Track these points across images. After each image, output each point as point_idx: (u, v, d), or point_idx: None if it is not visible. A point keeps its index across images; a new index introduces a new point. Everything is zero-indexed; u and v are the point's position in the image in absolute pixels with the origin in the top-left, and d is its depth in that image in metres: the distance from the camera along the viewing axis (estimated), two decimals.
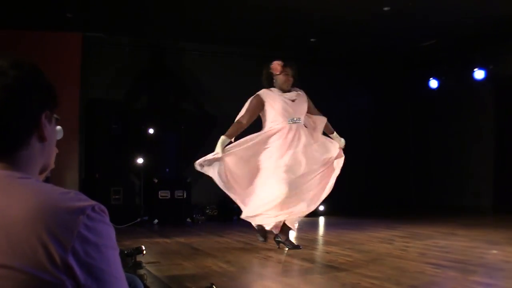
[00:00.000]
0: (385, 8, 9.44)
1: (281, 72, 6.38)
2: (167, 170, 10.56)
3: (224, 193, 11.26)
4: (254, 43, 11.87)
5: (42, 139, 1.51)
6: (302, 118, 6.51)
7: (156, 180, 10.29)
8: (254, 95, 6.64)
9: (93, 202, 1.40)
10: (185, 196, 10.35)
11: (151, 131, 10.70)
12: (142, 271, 4.76)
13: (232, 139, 6.54)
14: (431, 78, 12.45)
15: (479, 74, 11.61)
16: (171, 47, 11.44)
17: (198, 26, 10.67)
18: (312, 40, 11.35)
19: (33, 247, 1.34)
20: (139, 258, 5.11)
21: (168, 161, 10.72)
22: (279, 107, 6.36)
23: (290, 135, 6.36)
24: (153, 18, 10.01)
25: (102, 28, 10.35)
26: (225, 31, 11.05)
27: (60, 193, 1.42)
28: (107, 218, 1.41)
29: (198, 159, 10.96)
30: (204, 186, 10.95)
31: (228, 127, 11.66)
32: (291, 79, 6.44)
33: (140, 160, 10.71)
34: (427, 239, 7.05)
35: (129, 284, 2.70)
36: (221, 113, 11.66)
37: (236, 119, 6.70)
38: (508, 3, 9.39)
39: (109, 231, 1.41)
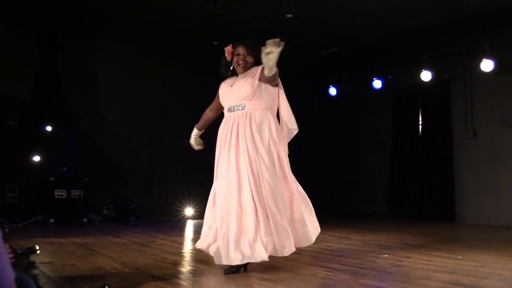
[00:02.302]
0: (288, 15, 9.63)
1: (232, 55, 5.13)
2: (64, 169, 10.40)
3: (121, 191, 11.29)
4: (158, 44, 11.87)
5: None
6: (248, 101, 4.99)
7: (52, 179, 10.08)
8: None
9: None
10: (81, 195, 10.19)
11: (48, 128, 10.53)
12: (35, 271, 4.73)
13: (202, 130, 5.62)
14: (330, 86, 12.76)
15: (377, 83, 11.99)
16: (71, 44, 11.24)
17: (100, 24, 10.57)
18: (214, 43, 11.42)
19: None
20: (32, 258, 5.07)
21: (66, 159, 10.55)
22: (221, 94, 5.23)
23: (226, 129, 5.07)
24: (56, 13, 9.87)
25: (2, 21, 10.13)
26: (127, 30, 10.95)
27: None
28: None
29: (96, 158, 10.93)
30: (102, 186, 10.89)
31: (128, 126, 11.68)
32: (244, 59, 5.06)
33: (36, 158, 10.50)
34: (322, 243, 7.16)
35: (22, 285, 2.78)
36: (121, 112, 11.66)
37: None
38: (405, 18, 9.79)
39: None
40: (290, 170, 5.23)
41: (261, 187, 4.83)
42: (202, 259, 5.90)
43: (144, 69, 11.97)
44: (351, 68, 12.39)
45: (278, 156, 5.06)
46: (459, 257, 5.98)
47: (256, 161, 4.86)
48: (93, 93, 11.40)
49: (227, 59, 5.19)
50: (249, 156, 4.86)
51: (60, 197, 10.04)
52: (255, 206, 4.77)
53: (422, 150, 11.91)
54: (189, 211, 11.68)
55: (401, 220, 11.14)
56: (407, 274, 5.02)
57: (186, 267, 5.49)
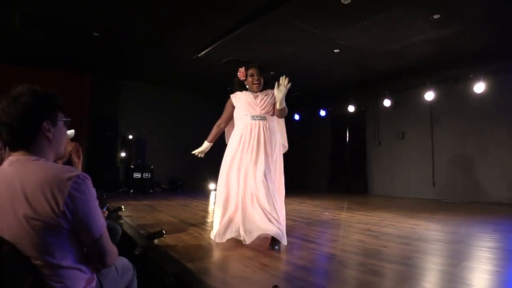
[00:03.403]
0: (271, 73, 9.54)
1: (246, 76, 3.99)
2: (139, 160, 10.41)
3: (173, 174, 11.27)
4: (187, 84, 11.84)
5: (46, 138, 1.57)
6: (268, 116, 3.93)
7: (132, 166, 10.05)
8: None
9: (79, 172, 1.48)
10: (149, 176, 10.18)
11: (130, 136, 10.59)
12: (121, 221, 4.73)
13: (212, 143, 4.19)
14: (295, 114, 12.73)
15: (322, 112, 11.98)
16: (124, 82, 11.28)
17: (149, 73, 10.55)
18: (228, 88, 11.36)
19: (43, 204, 1.42)
20: (120, 213, 5.08)
21: (140, 155, 10.58)
22: (242, 102, 3.93)
23: (249, 132, 3.85)
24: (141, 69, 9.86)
25: (104, 72, 10.10)
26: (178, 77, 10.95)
27: (58, 168, 1.50)
28: (89, 181, 1.49)
29: (158, 154, 10.92)
30: (161, 171, 10.92)
31: (173, 136, 11.57)
32: (258, 79, 3.93)
33: (123, 154, 10.57)
34: (289, 205, 7.13)
35: (112, 229, 2.76)
36: (168, 126, 11.63)
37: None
38: (339, 75, 9.79)
39: (90, 189, 1.50)
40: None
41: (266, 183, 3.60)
42: None
43: (171, 97, 11.93)
44: (308, 103, 12.37)
45: (279, 163, 4.04)
46: (370, 214, 6.00)
47: (269, 162, 3.77)
48: (147, 114, 11.37)
49: (240, 79, 4.03)
50: (265, 157, 3.73)
51: (136, 177, 9.99)
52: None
53: (348, 152, 11.91)
54: (212, 186, 11.65)
55: (336, 193, 11.13)
56: (339, 224, 5.03)
57: (210, 218, 5.45)
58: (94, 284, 1.64)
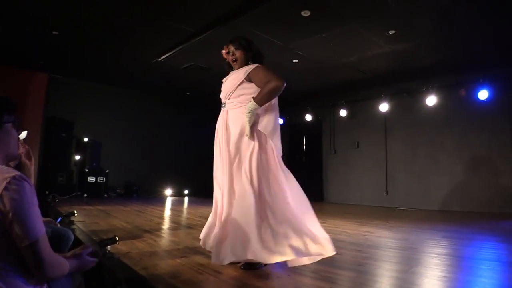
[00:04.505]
0: None
1: (226, 54, 3.16)
2: (94, 164, 10.10)
3: (128, 179, 11.02)
4: (148, 89, 11.68)
5: None
6: (233, 98, 2.99)
7: (87, 170, 9.73)
8: None
9: (16, 173, 1.46)
10: (104, 180, 9.88)
11: (85, 139, 10.29)
12: (74, 227, 4.57)
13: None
14: None
15: (280, 121, 12.05)
16: (80, 83, 11.01)
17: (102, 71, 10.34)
18: (187, 93, 11.33)
19: None
20: (72, 218, 4.91)
21: (95, 158, 10.26)
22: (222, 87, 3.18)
23: (217, 125, 3.07)
24: (97, 67, 9.61)
25: (61, 72, 9.79)
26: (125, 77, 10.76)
27: None
28: (26, 183, 1.46)
29: (113, 158, 10.65)
30: (116, 175, 10.64)
31: (129, 141, 11.33)
32: (233, 54, 3.09)
33: (77, 157, 10.24)
34: None
35: (64, 235, 2.66)
36: (128, 132, 11.38)
37: None
38: (297, 84, 9.91)
39: (26, 191, 1.46)
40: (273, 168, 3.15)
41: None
42: (176, 221, 5.80)
43: (129, 100, 11.75)
44: None
45: (253, 153, 2.88)
46: (324, 221, 6.05)
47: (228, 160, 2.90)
48: (103, 116, 11.12)
49: (225, 58, 3.21)
50: (222, 155, 2.94)
51: (91, 181, 9.69)
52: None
53: (305, 160, 12.07)
54: (168, 191, 11.50)
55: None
56: None
57: (165, 225, 5.36)
58: None
